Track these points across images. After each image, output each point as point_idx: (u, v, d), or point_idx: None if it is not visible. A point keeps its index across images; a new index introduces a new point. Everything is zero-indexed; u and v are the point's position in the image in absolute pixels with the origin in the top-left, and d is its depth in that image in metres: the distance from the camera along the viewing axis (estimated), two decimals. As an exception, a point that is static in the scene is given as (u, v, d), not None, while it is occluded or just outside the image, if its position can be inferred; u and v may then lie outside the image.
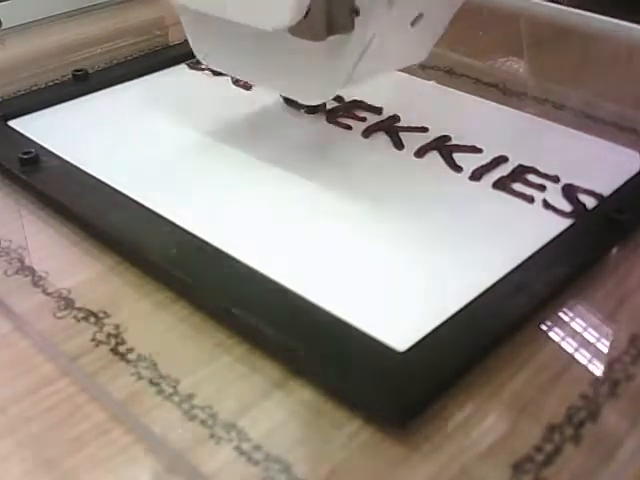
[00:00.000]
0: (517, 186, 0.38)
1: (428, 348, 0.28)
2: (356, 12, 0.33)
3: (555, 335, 0.30)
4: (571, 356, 0.29)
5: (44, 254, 0.35)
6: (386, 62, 0.39)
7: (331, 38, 0.33)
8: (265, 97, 0.47)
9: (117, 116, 0.46)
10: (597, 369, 0.29)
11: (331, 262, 0.33)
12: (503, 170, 0.39)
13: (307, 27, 0.33)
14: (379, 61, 0.38)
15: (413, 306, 0.31)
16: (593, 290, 0.32)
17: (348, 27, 0.34)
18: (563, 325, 0.31)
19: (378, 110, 0.46)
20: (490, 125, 0.45)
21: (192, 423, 0.26)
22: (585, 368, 0.29)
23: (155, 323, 0.31)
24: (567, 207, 0.36)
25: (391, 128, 0.43)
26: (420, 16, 0.37)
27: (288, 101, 0.46)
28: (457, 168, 0.40)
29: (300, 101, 0.41)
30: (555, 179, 0.39)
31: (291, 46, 0.35)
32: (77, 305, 0.32)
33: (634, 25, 0.57)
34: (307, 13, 0.32)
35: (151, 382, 0.28)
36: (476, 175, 0.39)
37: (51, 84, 0.50)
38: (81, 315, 0.31)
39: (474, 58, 0.54)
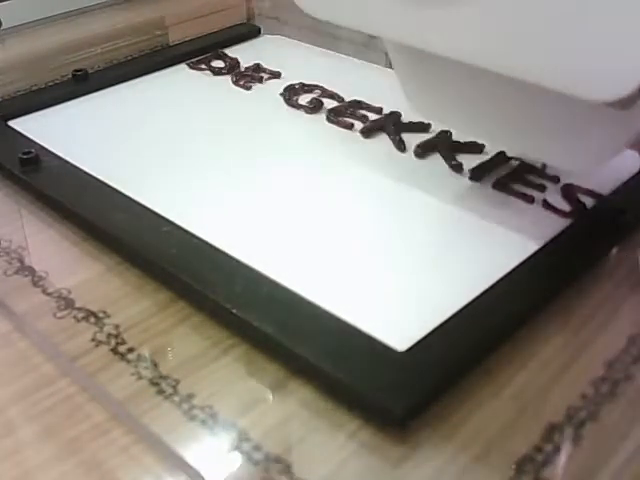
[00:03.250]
0: (517, 186, 0.38)
1: (428, 348, 0.28)
2: None
3: (555, 335, 0.30)
4: (571, 356, 0.29)
5: (44, 254, 0.35)
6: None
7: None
8: (265, 97, 0.47)
9: (117, 116, 0.46)
10: (597, 369, 0.29)
11: (331, 262, 0.33)
12: (503, 170, 0.39)
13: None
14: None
15: (413, 306, 0.31)
16: (593, 290, 0.32)
17: None
18: (563, 325, 0.31)
19: (378, 110, 0.46)
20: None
21: (192, 423, 0.26)
22: (585, 368, 0.29)
23: (155, 323, 0.31)
24: (567, 207, 0.36)
25: (391, 128, 0.43)
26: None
27: (288, 101, 0.46)
28: (457, 168, 0.40)
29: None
30: (555, 179, 0.39)
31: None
32: (77, 305, 0.32)
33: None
34: None
35: (151, 382, 0.28)
36: (476, 175, 0.39)
37: (51, 84, 0.50)
38: (81, 315, 0.31)
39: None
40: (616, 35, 0.25)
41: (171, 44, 0.56)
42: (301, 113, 0.46)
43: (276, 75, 0.51)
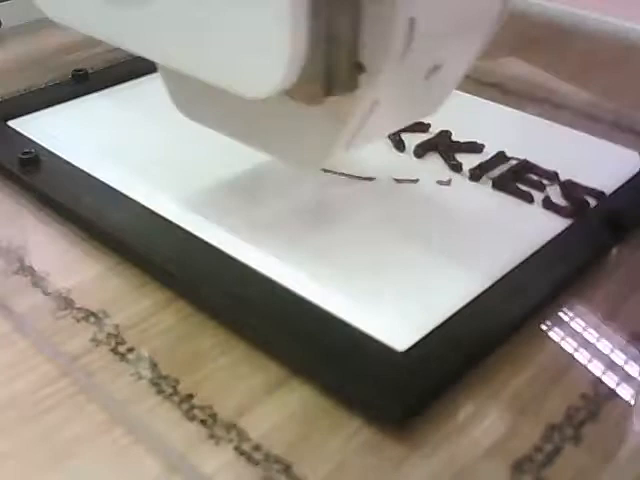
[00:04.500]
0: (517, 186, 0.38)
1: (428, 348, 0.28)
2: (361, 68, 0.27)
3: (555, 335, 0.30)
4: (571, 356, 0.29)
5: (44, 254, 0.35)
6: (394, 120, 0.34)
7: (331, 99, 0.28)
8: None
9: (117, 116, 0.46)
10: (597, 369, 0.29)
11: (331, 262, 0.33)
12: (503, 170, 0.39)
13: (301, 88, 0.27)
14: (387, 120, 0.32)
15: (413, 306, 0.31)
16: (593, 290, 0.32)
17: (350, 87, 0.28)
18: (563, 325, 0.31)
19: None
20: (490, 125, 0.45)
21: (192, 423, 0.26)
22: (585, 368, 0.29)
23: (155, 323, 0.31)
24: (567, 207, 0.36)
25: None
26: (437, 68, 0.31)
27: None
28: (457, 167, 0.40)
29: (294, 168, 0.36)
30: (555, 179, 0.39)
31: (284, 106, 0.29)
32: (77, 305, 0.32)
33: (634, 25, 0.57)
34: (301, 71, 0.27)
35: (151, 382, 0.28)
36: (476, 175, 0.39)
37: (51, 84, 0.50)
38: (81, 315, 0.31)
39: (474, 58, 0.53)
40: (254, 38, 0.26)
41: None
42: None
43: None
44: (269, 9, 0.24)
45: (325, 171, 0.39)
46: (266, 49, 0.25)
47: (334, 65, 0.27)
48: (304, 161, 0.33)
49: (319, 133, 0.31)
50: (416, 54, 0.28)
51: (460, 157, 0.41)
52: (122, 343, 0.30)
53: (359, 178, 0.39)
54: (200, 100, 0.35)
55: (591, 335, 0.30)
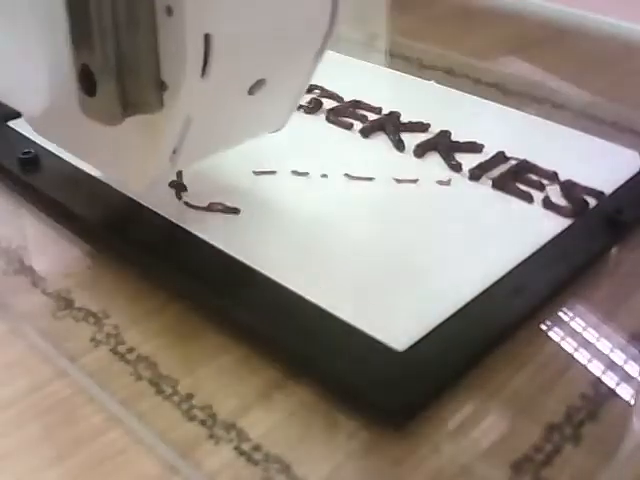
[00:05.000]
0: (517, 186, 0.38)
1: (428, 348, 0.28)
2: (162, 86, 0.27)
3: (555, 335, 0.30)
4: (571, 356, 0.29)
5: (44, 254, 0.35)
6: (223, 137, 0.33)
7: (140, 118, 0.27)
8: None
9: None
10: (597, 369, 0.29)
11: (331, 262, 0.33)
12: (502, 170, 0.39)
13: (98, 107, 0.27)
14: (212, 137, 0.32)
15: (413, 306, 0.31)
16: (593, 290, 0.32)
17: (153, 105, 0.27)
18: (563, 325, 0.31)
19: (378, 110, 0.46)
20: (490, 125, 0.45)
21: (192, 423, 0.26)
22: (585, 368, 0.29)
23: (155, 323, 0.31)
24: (567, 207, 0.36)
25: (391, 128, 0.43)
26: (261, 82, 0.30)
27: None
28: (457, 167, 0.40)
29: (125, 185, 0.35)
30: (555, 179, 0.39)
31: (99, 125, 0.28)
32: (77, 305, 0.32)
33: (634, 25, 0.57)
34: (95, 89, 0.27)
35: (151, 382, 0.28)
36: (476, 175, 0.39)
37: (51, 84, 0.50)
38: (81, 315, 0.31)
39: (474, 58, 0.54)
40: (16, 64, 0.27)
41: None
42: (300, 113, 0.46)
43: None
44: (28, 32, 0.26)
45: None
46: (31, 68, 0.27)
47: (132, 84, 0.27)
48: (129, 178, 0.33)
49: (139, 151, 0.31)
50: (224, 70, 0.28)
51: (460, 157, 0.41)
52: (122, 343, 0.30)
53: (359, 178, 0.39)
54: (47, 118, 0.34)
55: (591, 335, 0.30)
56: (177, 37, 0.26)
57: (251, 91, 0.30)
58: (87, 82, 0.27)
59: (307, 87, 0.34)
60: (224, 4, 0.27)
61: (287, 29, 0.30)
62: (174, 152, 0.30)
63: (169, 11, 0.26)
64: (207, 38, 0.27)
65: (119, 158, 0.32)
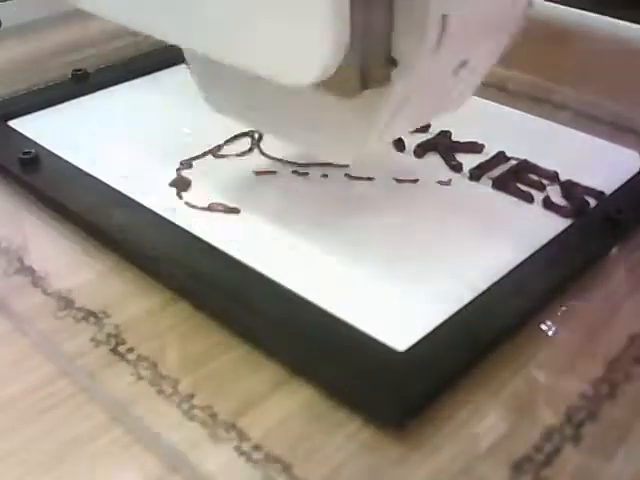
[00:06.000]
0: (517, 186, 0.38)
1: (428, 348, 0.28)
2: (394, 63, 0.28)
3: (555, 335, 0.30)
4: (571, 356, 0.29)
5: (44, 254, 0.35)
6: (422, 114, 0.34)
7: (364, 93, 0.28)
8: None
9: (117, 116, 0.46)
10: (597, 369, 0.29)
11: (330, 262, 0.33)
12: (503, 170, 0.39)
13: (337, 81, 0.27)
14: (415, 114, 0.33)
15: (413, 306, 0.31)
16: (593, 290, 0.32)
17: (384, 80, 0.28)
18: (563, 325, 0.31)
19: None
20: (490, 125, 0.45)
21: (192, 423, 0.26)
22: (585, 368, 0.29)
23: (155, 323, 0.31)
24: (567, 207, 0.36)
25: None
26: (464, 63, 0.31)
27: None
28: (457, 167, 0.40)
29: (327, 160, 0.37)
30: (555, 179, 0.39)
31: (315, 99, 0.29)
32: (77, 305, 0.32)
33: (634, 25, 0.57)
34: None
35: (151, 382, 0.28)
36: (476, 175, 0.39)
37: (51, 84, 0.50)
38: (81, 315, 0.31)
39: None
40: (297, 26, 0.26)
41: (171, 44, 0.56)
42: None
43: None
44: None
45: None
46: (309, 37, 0.25)
47: (369, 59, 0.27)
48: (335, 154, 0.34)
49: (350, 126, 0.31)
50: (447, 50, 0.28)
51: (460, 157, 0.41)
52: (122, 343, 0.30)
53: (359, 178, 0.39)
54: (230, 92, 0.35)
55: (590, 335, 0.30)
56: (418, 16, 0.27)
57: (455, 71, 0.31)
58: None
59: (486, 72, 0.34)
60: None
61: (496, 11, 0.31)
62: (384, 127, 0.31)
63: None
64: (444, 19, 0.27)
65: (325, 135, 0.32)
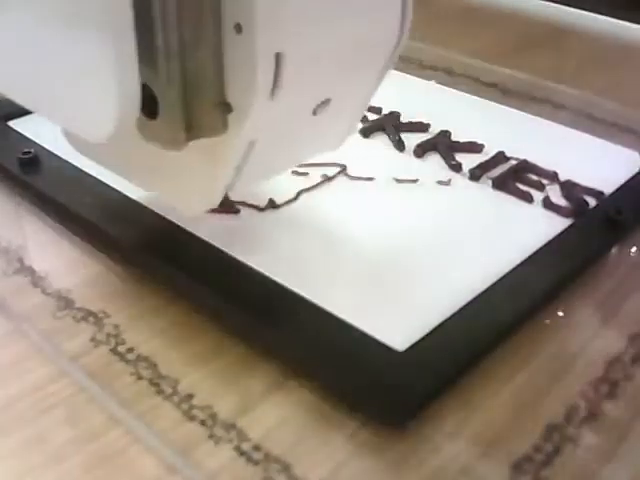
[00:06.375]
0: (517, 186, 0.38)
1: (428, 348, 0.28)
2: (227, 108, 0.26)
3: (555, 335, 0.30)
4: (571, 356, 0.29)
5: (44, 254, 0.35)
6: (284, 159, 0.33)
7: (201, 142, 0.26)
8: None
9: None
10: (597, 369, 0.29)
11: (330, 262, 0.33)
12: (502, 170, 0.39)
13: (159, 131, 0.25)
14: (273, 159, 0.31)
15: (413, 306, 0.31)
16: (593, 290, 0.32)
17: (218, 128, 0.26)
18: (563, 325, 0.31)
19: (378, 110, 0.46)
20: (490, 125, 0.45)
21: (192, 423, 0.26)
22: (585, 368, 0.29)
23: (155, 323, 0.31)
24: (567, 207, 0.36)
25: (391, 128, 0.43)
26: (326, 101, 0.29)
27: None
28: (457, 167, 0.40)
29: (181, 212, 0.33)
30: (555, 179, 0.39)
31: (157, 149, 0.27)
32: (77, 305, 0.32)
33: (634, 25, 0.57)
34: (157, 112, 0.25)
35: (151, 382, 0.28)
36: (476, 175, 0.39)
37: (51, 84, 0.50)
38: (81, 315, 0.31)
39: (474, 58, 0.54)
40: (86, 79, 0.25)
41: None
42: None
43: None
44: (95, 49, 0.24)
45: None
46: (98, 93, 0.25)
47: (197, 107, 0.25)
48: (188, 203, 0.32)
49: (199, 175, 0.30)
50: (293, 90, 0.27)
51: (460, 157, 0.41)
52: (122, 343, 0.30)
53: (359, 178, 0.39)
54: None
55: (591, 335, 0.30)
56: (246, 56, 0.25)
57: (315, 111, 0.29)
58: (148, 104, 0.25)
59: (367, 107, 0.32)
60: (295, 21, 0.25)
61: (355, 47, 0.28)
62: (233, 177, 0.29)
63: (238, 29, 0.24)
64: (278, 57, 0.25)
65: (175, 182, 0.31)
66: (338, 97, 0.29)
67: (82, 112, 0.26)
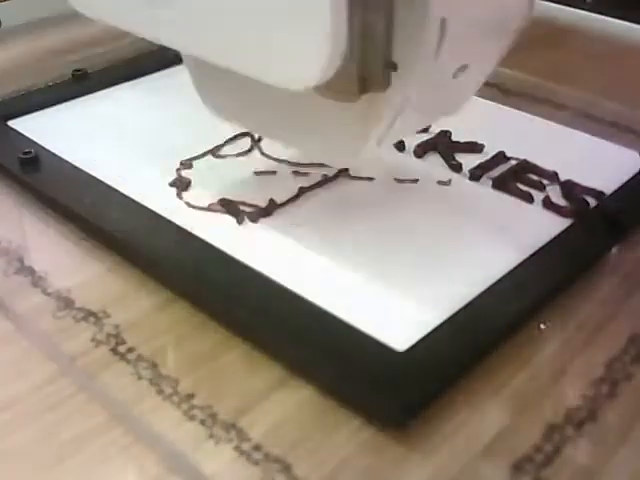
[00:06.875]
0: (517, 186, 0.38)
1: (428, 348, 0.28)
2: (393, 67, 0.28)
3: (555, 335, 0.30)
4: (571, 356, 0.29)
5: (44, 254, 0.35)
6: (422, 118, 0.35)
7: (365, 96, 0.28)
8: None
9: (117, 116, 0.46)
10: (597, 369, 0.29)
11: (331, 262, 0.33)
12: (503, 170, 0.39)
13: (337, 85, 0.27)
14: (415, 118, 0.33)
15: (413, 306, 0.31)
16: (593, 290, 0.32)
17: (383, 84, 0.28)
18: (563, 325, 0.31)
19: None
20: (490, 125, 0.45)
21: (192, 423, 0.26)
22: (585, 368, 0.29)
23: (155, 323, 0.31)
24: (567, 207, 0.36)
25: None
26: (464, 67, 0.31)
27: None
28: (457, 167, 0.40)
29: (329, 164, 0.37)
30: (555, 179, 0.39)
31: (316, 102, 0.29)
32: (77, 305, 0.32)
33: (634, 25, 0.57)
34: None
35: (151, 382, 0.28)
36: (476, 175, 0.39)
37: (51, 84, 0.50)
38: (81, 315, 0.31)
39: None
40: (296, 30, 0.26)
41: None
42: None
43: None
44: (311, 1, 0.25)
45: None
46: (308, 41, 0.26)
47: (368, 63, 0.27)
48: (335, 158, 0.34)
49: (350, 131, 0.31)
50: (447, 54, 0.28)
51: (460, 157, 0.41)
52: (122, 343, 0.30)
53: (359, 178, 0.39)
54: (228, 95, 0.35)
55: (591, 335, 0.30)
56: (417, 20, 0.27)
57: (455, 75, 0.31)
58: None
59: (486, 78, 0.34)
60: None
61: (496, 17, 0.31)
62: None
63: None
64: (443, 22, 0.27)
65: (325, 139, 0.33)
66: (474, 63, 0.31)
67: (283, 60, 0.27)
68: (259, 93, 0.31)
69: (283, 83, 0.27)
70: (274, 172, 0.40)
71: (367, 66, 0.27)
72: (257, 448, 0.25)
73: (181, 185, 0.38)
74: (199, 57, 0.31)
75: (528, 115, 0.46)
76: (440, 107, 0.34)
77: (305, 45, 0.26)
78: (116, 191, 0.37)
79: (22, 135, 0.43)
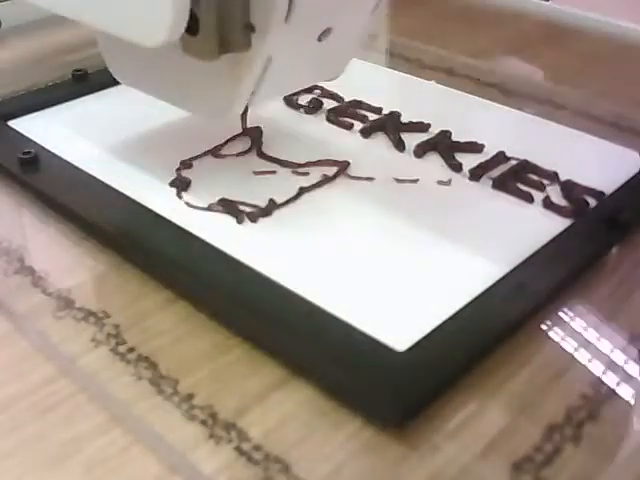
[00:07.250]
0: (517, 186, 0.38)
1: (428, 348, 0.28)
2: (251, 28, 0.31)
3: (555, 335, 0.30)
4: (571, 356, 0.29)
5: (44, 254, 0.35)
6: (291, 81, 0.38)
7: (228, 56, 0.31)
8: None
9: (117, 116, 0.46)
10: (597, 369, 0.29)
11: (331, 262, 0.33)
12: (503, 170, 0.39)
13: (198, 45, 0.31)
14: (283, 80, 0.37)
15: (413, 306, 0.31)
16: (593, 290, 0.32)
17: (243, 45, 0.31)
18: (563, 325, 0.31)
19: (378, 110, 0.46)
20: (490, 125, 0.45)
21: (192, 423, 0.26)
22: (585, 368, 0.29)
23: (155, 323, 0.31)
24: (567, 207, 0.36)
25: (391, 128, 0.43)
26: (328, 30, 0.35)
27: (287, 101, 0.46)
28: (457, 167, 0.40)
29: (203, 118, 0.39)
30: (555, 179, 0.39)
31: (190, 63, 0.32)
32: (77, 305, 0.32)
33: (634, 25, 0.57)
34: (197, 30, 0.30)
35: (151, 382, 0.28)
36: (476, 175, 0.39)
37: (51, 84, 0.50)
38: (81, 315, 0.31)
39: (474, 58, 0.54)
40: None
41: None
42: (300, 113, 0.46)
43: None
44: None
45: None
46: (156, 1, 0.29)
47: (226, 25, 0.31)
48: (210, 113, 0.37)
49: (222, 87, 0.35)
50: (302, 17, 0.32)
51: (460, 157, 0.41)
52: (122, 343, 0.30)
53: (359, 178, 0.39)
54: (129, 62, 0.39)
55: (591, 335, 0.30)
56: None
57: (320, 38, 0.35)
58: (191, 24, 0.30)
59: (364, 40, 0.38)
60: None
61: None
62: (253, 92, 0.35)
63: None
64: None
65: (202, 95, 0.36)
66: (338, 27, 0.35)
67: (139, 20, 0.31)
68: (152, 58, 0.36)
69: (139, 40, 0.31)
70: (274, 172, 0.40)
71: (225, 27, 0.31)
72: (257, 448, 0.25)
73: (181, 185, 0.38)
74: (75, 19, 0.35)
75: (528, 115, 0.46)
76: (316, 70, 0.38)
77: (154, 4, 0.30)
78: (116, 191, 0.37)
79: (22, 135, 0.43)
